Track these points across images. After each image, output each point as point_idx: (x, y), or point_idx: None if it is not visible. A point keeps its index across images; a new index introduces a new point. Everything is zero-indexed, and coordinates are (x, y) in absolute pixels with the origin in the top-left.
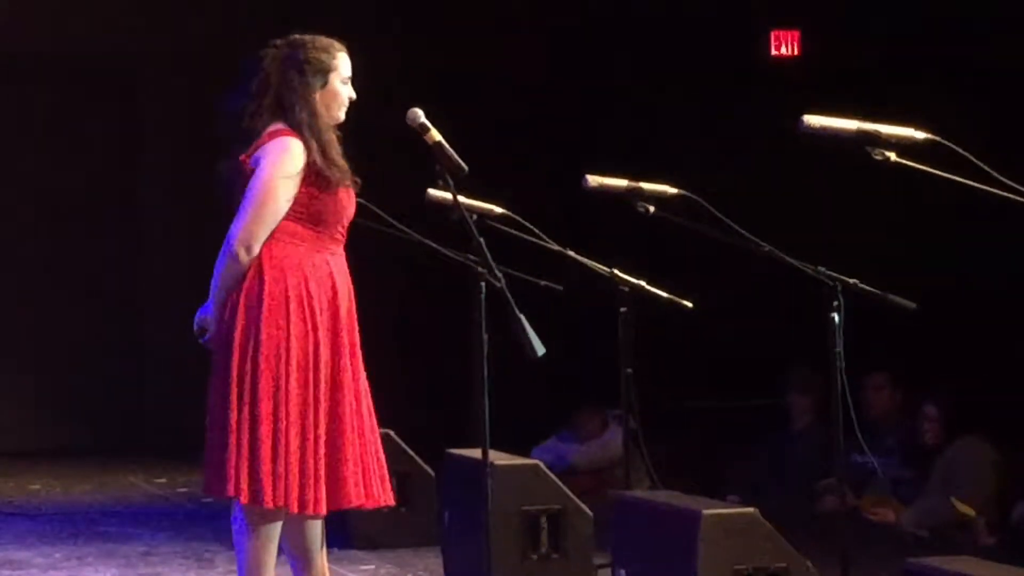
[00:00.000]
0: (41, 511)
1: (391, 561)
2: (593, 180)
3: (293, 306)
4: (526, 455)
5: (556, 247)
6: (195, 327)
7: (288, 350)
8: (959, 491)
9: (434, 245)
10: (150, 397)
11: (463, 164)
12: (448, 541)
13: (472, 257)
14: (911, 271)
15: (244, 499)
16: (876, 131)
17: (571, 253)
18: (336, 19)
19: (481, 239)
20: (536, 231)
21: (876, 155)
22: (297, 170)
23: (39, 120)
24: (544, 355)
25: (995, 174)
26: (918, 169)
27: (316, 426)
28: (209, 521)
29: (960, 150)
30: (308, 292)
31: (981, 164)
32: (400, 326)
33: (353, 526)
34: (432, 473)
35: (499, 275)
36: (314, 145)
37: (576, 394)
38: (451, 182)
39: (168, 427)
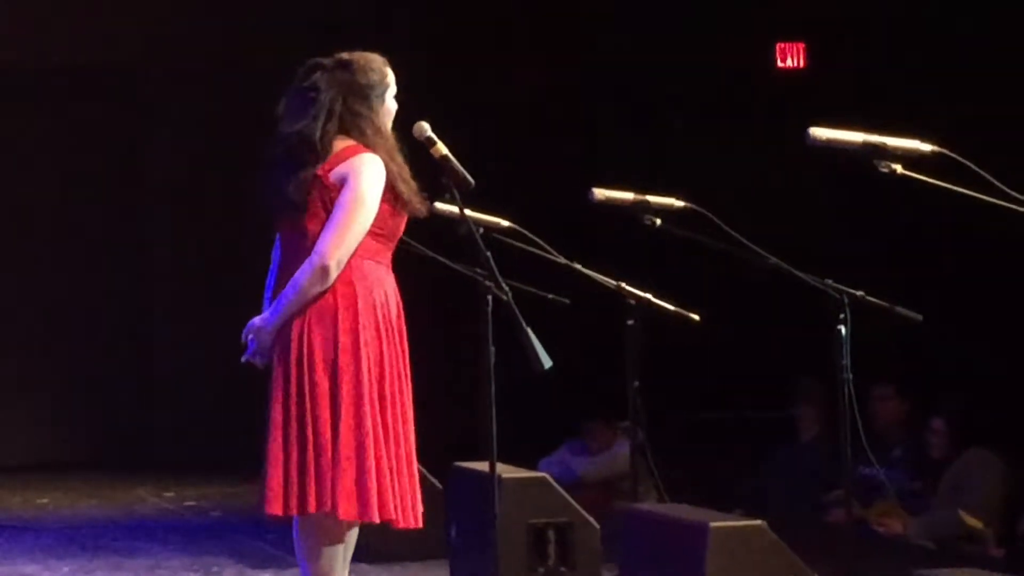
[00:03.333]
0: (49, 525)
1: (398, 575)
2: (599, 193)
3: (367, 319)
4: (533, 468)
5: (563, 260)
6: (243, 337)
7: (359, 360)
8: (967, 503)
9: (441, 258)
10: (158, 411)
11: (470, 178)
12: (456, 554)
13: (479, 270)
14: (917, 282)
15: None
16: (882, 143)
17: (578, 266)
18: (340, 30)
19: (488, 252)
20: (543, 244)
21: (882, 167)
22: (382, 186)
23: (39, 134)
24: (551, 368)
25: (1001, 185)
26: (924, 181)
27: (386, 436)
28: (217, 535)
29: (966, 161)
30: (382, 305)
31: (987, 175)
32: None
33: (360, 539)
34: (440, 486)
35: (506, 288)
36: (393, 166)
37: (584, 407)
38: (458, 195)
39: (176, 441)
